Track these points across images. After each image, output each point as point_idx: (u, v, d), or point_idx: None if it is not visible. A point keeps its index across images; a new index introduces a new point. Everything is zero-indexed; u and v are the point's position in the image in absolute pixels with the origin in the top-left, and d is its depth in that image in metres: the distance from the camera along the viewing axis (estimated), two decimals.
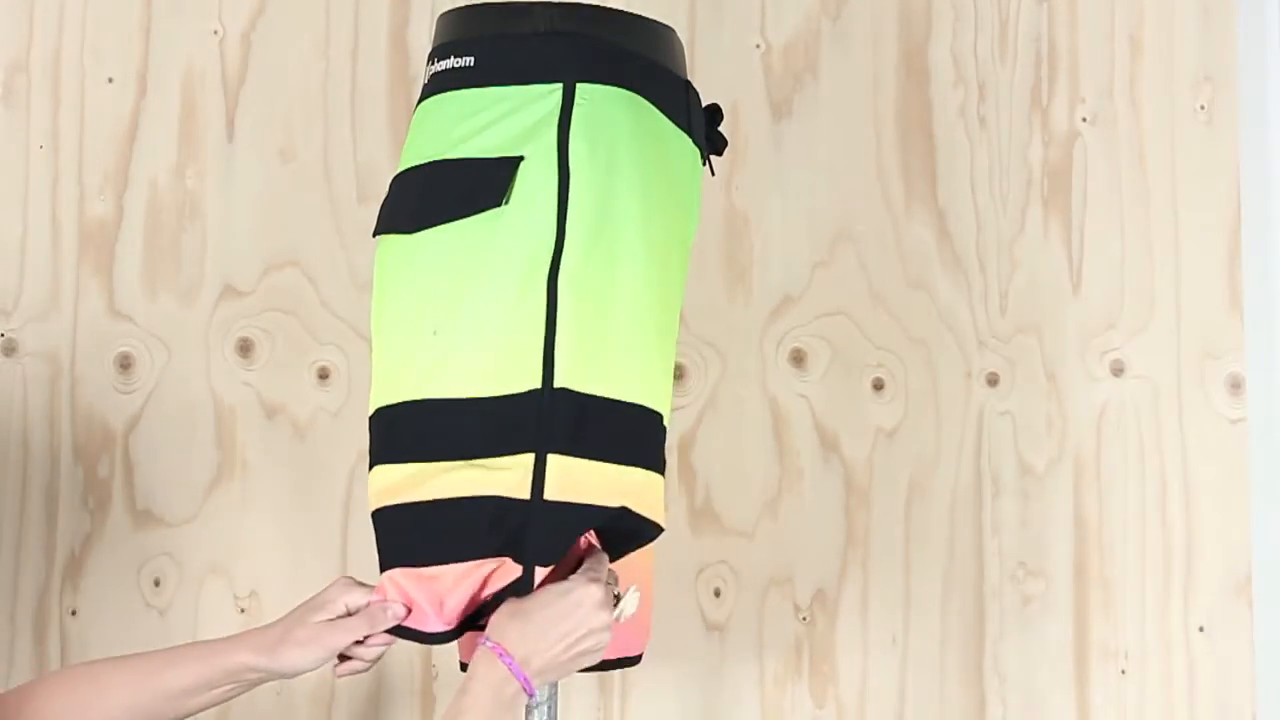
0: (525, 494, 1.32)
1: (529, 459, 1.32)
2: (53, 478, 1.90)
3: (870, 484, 2.02)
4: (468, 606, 1.35)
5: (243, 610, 1.90)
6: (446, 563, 1.34)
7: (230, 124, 1.96)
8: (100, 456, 1.91)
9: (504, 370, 1.33)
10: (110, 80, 1.95)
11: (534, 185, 1.33)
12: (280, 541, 1.92)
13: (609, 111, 1.36)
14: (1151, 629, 2.04)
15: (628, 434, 1.37)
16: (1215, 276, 2.10)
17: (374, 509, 1.39)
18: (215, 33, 1.97)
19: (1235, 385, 2.08)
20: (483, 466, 1.33)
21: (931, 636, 2.01)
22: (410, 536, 1.35)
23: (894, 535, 2.02)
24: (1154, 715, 2.03)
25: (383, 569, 1.38)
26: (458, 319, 1.34)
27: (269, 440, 1.94)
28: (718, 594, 1.98)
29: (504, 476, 1.32)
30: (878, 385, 2.04)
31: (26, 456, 1.90)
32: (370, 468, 1.40)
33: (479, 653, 1.30)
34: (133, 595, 1.90)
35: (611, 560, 1.40)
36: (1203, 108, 2.12)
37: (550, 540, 1.33)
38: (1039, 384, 2.06)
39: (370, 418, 1.40)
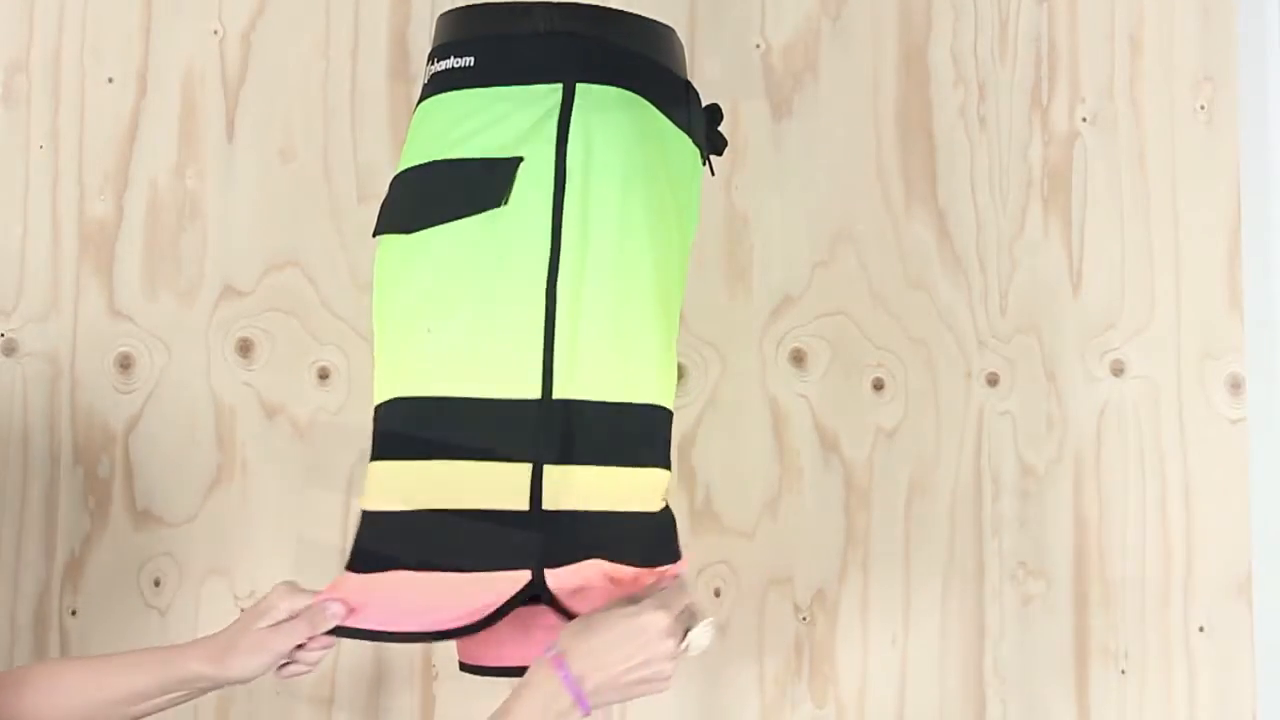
0: (524, 505, 1.32)
1: (526, 469, 1.32)
2: (53, 478, 1.90)
3: (870, 484, 2.02)
4: (446, 618, 1.34)
5: (243, 610, 1.89)
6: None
7: (230, 124, 1.96)
8: (100, 456, 1.91)
9: (504, 373, 1.33)
10: (110, 80, 1.95)
11: (532, 187, 1.33)
12: (280, 541, 1.92)
13: (608, 111, 1.36)
14: (1152, 629, 2.04)
15: (630, 435, 1.37)
16: (1215, 276, 2.10)
17: (368, 509, 1.39)
18: (215, 33, 1.97)
19: (1235, 385, 2.08)
20: (479, 474, 1.32)
21: (931, 636, 2.01)
22: (403, 544, 1.34)
23: (894, 535, 2.02)
24: (1154, 715, 2.03)
25: (362, 568, 1.37)
26: (455, 318, 1.34)
27: (269, 440, 1.94)
28: (717, 594, 1.99)
29: (502, 487, 1.32)
30: (877, 385, 2.03)
31: (26, 456, 1.90)
32: (371, 462, 1.41)
33: (538, 659, 1.29)
34: (133, 595, 1.90)
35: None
36: (1203, 108, 2.12)
37: (554, 548, 1.33)
38: (1039, 384, 2.06)
39: (374, 410, 1.41)
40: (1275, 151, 2.06)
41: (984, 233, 2.07)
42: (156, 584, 1.90)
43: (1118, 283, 2.09)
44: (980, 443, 2.04)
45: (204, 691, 1.40)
